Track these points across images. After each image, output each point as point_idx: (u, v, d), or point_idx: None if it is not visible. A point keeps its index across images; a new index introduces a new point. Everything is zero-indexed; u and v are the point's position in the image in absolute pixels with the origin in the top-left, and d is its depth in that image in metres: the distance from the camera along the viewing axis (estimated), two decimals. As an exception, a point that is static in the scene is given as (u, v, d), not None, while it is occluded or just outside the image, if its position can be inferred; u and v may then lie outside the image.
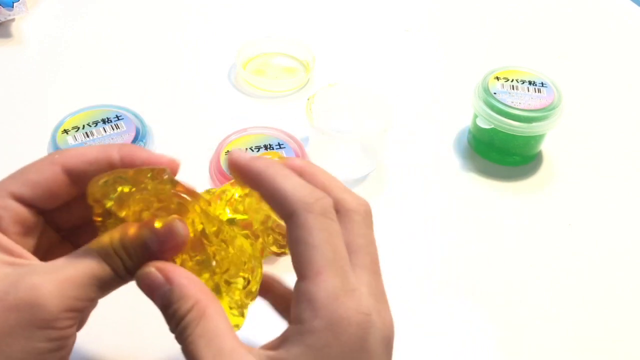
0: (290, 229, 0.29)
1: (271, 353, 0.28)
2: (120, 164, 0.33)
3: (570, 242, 0.55)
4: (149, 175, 0.32)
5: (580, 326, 0.49)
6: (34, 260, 0.31)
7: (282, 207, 0.30)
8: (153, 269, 0.29)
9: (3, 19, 0.72)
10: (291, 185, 0.30)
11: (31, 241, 0.33)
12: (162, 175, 0.32)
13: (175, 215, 0.31)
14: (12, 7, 0.70)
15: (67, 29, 0.74)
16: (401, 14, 0.82)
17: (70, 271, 0.29)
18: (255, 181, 0.31)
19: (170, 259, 0.31)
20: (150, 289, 0.29)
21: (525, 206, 0.58)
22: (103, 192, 0.32)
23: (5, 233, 0.31)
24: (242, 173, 0.32)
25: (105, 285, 0.30)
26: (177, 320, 0.28)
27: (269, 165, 0.31)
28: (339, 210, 0.31)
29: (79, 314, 0.30)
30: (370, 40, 0.77)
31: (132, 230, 0.30)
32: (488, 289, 0.51)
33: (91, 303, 0.30)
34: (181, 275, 0.29)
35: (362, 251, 0.31)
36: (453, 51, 0.77)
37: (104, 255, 0.30)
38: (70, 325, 0.29)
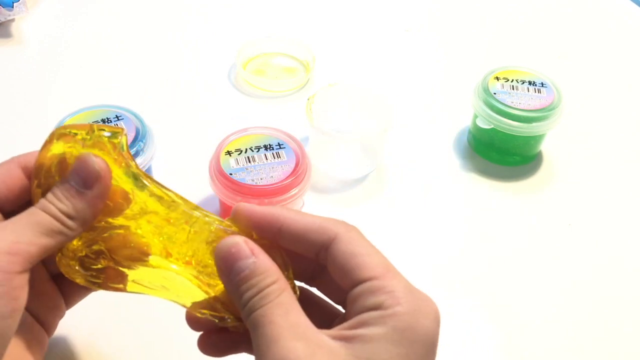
0: (337, 248, 0.32)
1: (348, 332, 0.29)
2: None
3: (570, 242, 0.55)
4: (104, 131, 0.34)
5: (580, 326, 0.49)
6: None
7: (321, 233, 0.32)
8: (242, 240, 0.32)
9: (3, 19, 0.72)
10: (321, 218, 0.33)
11: None
12: (119, 134, 0.34)
13: (93, 150, 0.33)
14: (12, 7, 0.70)
15: (67, 29, 0.74)
16: (401, 14, 0.82)
17: (9, 222, 0.32)
18: (281, 224, 0.33)
19: (105, 199, 0.33)
20: (235, 257, 0.31)
21: (525, 206, 0.58)
22: (59, 133, 0.34)
23: None
24: (262, 222, 0.33)
25: (49, 231, 0.32)
26: (257, 290, 0.30)
27: (287, 209, 0.34)
28: None
29: (24, 259, 0.31)
30: (370, 40, 0.77)
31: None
32: (488, 289, 0.51)
33: (36, 248, 0.32)
34: (262, 252, 0.32)
35: None
36: (453, 51, 0.77)
37: (39, 205, 0.33)
38: (17, 271, 0.30)
